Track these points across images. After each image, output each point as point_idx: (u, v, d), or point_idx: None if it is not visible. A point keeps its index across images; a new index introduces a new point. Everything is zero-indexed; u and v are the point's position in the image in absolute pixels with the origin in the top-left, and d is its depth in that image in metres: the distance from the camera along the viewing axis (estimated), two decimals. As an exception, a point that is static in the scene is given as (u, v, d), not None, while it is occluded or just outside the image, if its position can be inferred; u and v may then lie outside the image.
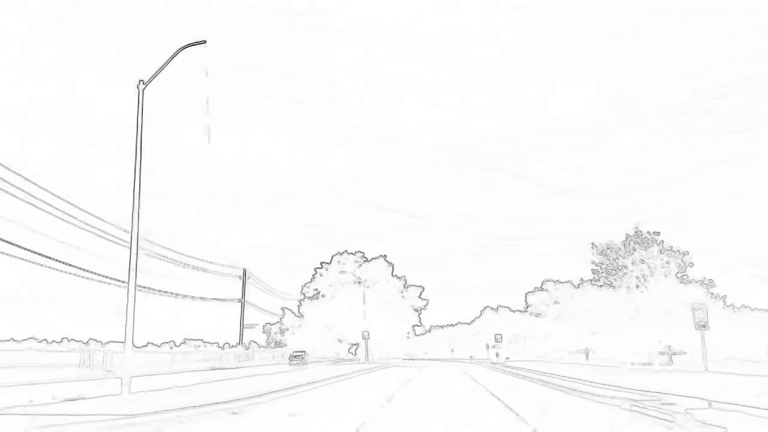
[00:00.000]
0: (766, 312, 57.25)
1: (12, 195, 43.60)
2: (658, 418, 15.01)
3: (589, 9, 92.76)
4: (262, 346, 78.60)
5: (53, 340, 55.41)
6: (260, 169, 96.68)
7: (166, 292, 62.53)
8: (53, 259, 45.50)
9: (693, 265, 55.96)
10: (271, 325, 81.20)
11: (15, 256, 42.99)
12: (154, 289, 60.59)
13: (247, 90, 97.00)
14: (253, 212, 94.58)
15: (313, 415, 16.23)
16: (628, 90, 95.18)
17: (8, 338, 53.01)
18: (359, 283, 73.11)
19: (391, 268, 73.46)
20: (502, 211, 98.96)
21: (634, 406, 18.25)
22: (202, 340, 71.92)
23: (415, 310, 73.35)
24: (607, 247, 57.38)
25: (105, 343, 50.00)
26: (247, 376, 36.98)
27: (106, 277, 52.25)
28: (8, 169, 43.42)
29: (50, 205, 46.14)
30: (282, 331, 78.87)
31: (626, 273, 55.11)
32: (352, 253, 74.13)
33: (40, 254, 44.47)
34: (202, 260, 67.13)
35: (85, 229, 49.82)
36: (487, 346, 79.57)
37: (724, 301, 54.58)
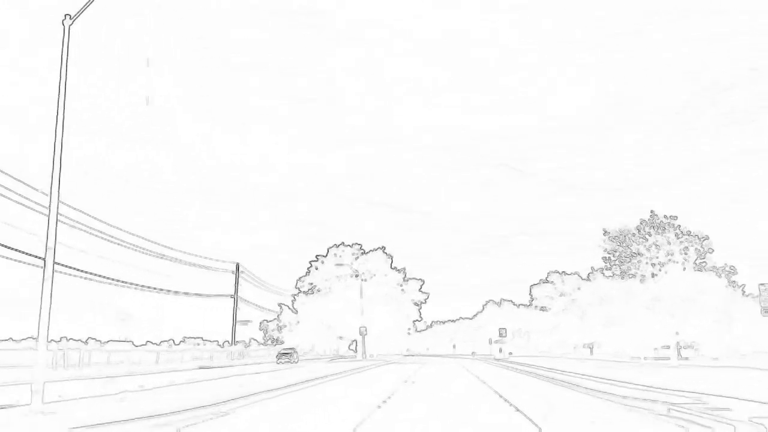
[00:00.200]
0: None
1: (9, 198, 43.78)
2: (713, 430, 11.96)
3: (589, 9, 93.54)
4: (261, 344, 77.20)
5: (51, 340, 54.80)
6: (260, 169, 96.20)
7: (165, 290, 62.64)
8: (58, 263, 45.35)
9: (713, 251, 52.88)
10: (268, 322, 79.26)
11: (14, 260, 44.67)
12: (154, 288, 61.48)
13: (247, 90, 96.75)
14: (252, 212, 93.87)
15: (281, 428, 13.30)
16: (628, 90, 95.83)
17: (7, 338, 52.54)
18: (356, 276, 69.70)
19: (390, 260, 69.92)
20: (503, 211, 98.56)
21: (673, 410, 15.23)
22: (201, 338, 71.07)
23: (416, 304, 70.09)
24: (620, 233, 54.18)
25: (104, 342, 49.15)
26: (233, 375, 35.03)
27: (106, 277, 54.27)
28: (6, 173, 43.99)
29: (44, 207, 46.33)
30: (279, 328, 76.42)
31: (640, 260, 52.04)
32: (349, 245, 70.65)
33: (36, 257, 45.17)
34: (200, 256, 66.55)
35: (85, 230, 50.88)
36: (490, 341, 77.14)
37: (743, 290, 51.36)
